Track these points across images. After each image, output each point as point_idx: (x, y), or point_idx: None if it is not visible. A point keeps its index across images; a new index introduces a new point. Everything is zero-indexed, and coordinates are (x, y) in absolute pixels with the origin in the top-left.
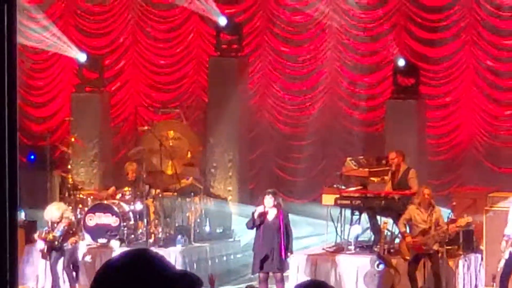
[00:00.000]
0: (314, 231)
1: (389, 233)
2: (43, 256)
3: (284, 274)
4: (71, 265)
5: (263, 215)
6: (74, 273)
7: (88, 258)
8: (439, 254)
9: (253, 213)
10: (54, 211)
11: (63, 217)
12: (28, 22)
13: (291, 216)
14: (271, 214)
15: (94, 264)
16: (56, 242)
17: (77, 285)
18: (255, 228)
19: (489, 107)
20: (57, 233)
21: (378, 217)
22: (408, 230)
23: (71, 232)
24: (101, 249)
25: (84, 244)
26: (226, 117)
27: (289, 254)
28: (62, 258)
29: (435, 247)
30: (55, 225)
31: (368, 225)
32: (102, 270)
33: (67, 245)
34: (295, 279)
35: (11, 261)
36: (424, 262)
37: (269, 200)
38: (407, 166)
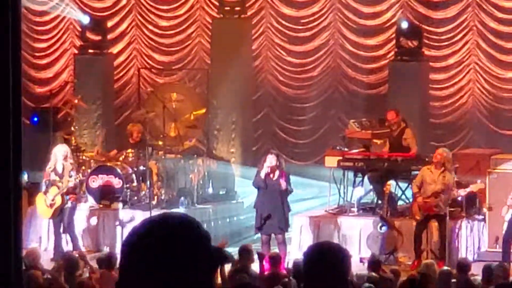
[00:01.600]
0: (317, 193)
1: (392, 195)
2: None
3: (287, 236)
4: (73, 226)
5: (269, 174)
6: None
7: (93, 221)
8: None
9: (258, 172)
10: (58, 151)
11: (67, 157)
12: None
13: (294, 178)
14: (274, 175)
15: (97, 227)
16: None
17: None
18: (257, 189)
19: (493, 69)
20: (70, 183)
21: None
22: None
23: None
24: (104, 211)
25: (87, 206)
26: (229, 79)
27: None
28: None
29: (443, 209)
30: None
31: (371, 187)
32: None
33: (67, 204)
34: (298, 241)
35: (15, 223)
36: (431, 224)
37: (271, 159)
38: (404, 125)
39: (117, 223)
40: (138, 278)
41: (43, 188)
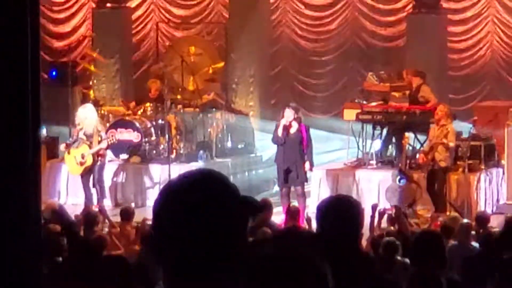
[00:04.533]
0: (335, 146)
1: (410, 148)
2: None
3: (306, 189)
4: (102, 181)
5: (288, 127)
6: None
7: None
8: (459, 168)
9: (276, 126)
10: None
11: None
12: None
13: (313, 131)
14: (293, 128)
15: (116, 181)
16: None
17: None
18: (276, 144)
19: (511, 21)
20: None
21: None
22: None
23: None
24: (124, 165)
25: (106, 161)
26: (247, 32)
27: (309, 166)
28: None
29: (443, 163)
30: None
31: (390, 140)
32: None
33: (97, 161)
34: (317, 193)
35: (34, 177)
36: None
37: (289, 113)
38: (421, 82)
39: (138, 178)
40: (173, 236)
41: (73, 144)
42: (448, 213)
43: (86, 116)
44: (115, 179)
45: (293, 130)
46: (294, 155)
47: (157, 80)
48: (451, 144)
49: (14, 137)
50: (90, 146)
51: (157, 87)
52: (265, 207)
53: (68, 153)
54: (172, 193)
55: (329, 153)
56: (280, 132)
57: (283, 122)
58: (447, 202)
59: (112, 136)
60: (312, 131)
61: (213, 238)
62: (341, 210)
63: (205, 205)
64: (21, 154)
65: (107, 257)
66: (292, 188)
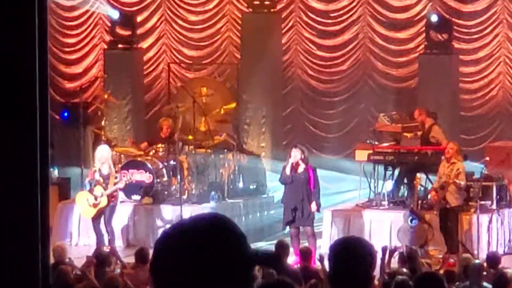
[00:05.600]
0: (347, 187)
1: (422, 188)
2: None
3: (317, 230)
4: (111, 222)
5: (295, 167)
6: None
7: (126, 216)
8: (471, 208)
9: (284, 167)
10: (104, 152)
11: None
12: None
13: (325, 172)
14: (300, 168)
15: (128, 222)
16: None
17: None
18: (284, 184)
19: None
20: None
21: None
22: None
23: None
24: (136, 206)
25: (118, 202)
26: (258, 73)
27: (315, 207)
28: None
29: (454, 202)
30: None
31: (401, 180)
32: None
33: (110, 202)
34: (328, 234)
35: (42, 218)
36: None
37: (296, 152)
38: (432, 122)
39: (150, 219)
40: (171, 280)
41: (87, 187)
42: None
43: (103, 156)
44: (127, 220)
45: (300, 169)
46: (300, 195)
47: (168, 119)
48: (462, 183)
49: (22, 178)
50: (104, 188)
51: (169, 125)
52: (281, 249)
53: (81, 194)
54: (179, 231)
55: (340, 193)
56: (288, 171)
57: (291, 161)
58: (459, 243)
59: (127, 175)
60: (323, 172)
61: (211, 282)
62: (353, 252)
63: (208, 248)
64: (30, 194)
65: None
66: (302, 229)
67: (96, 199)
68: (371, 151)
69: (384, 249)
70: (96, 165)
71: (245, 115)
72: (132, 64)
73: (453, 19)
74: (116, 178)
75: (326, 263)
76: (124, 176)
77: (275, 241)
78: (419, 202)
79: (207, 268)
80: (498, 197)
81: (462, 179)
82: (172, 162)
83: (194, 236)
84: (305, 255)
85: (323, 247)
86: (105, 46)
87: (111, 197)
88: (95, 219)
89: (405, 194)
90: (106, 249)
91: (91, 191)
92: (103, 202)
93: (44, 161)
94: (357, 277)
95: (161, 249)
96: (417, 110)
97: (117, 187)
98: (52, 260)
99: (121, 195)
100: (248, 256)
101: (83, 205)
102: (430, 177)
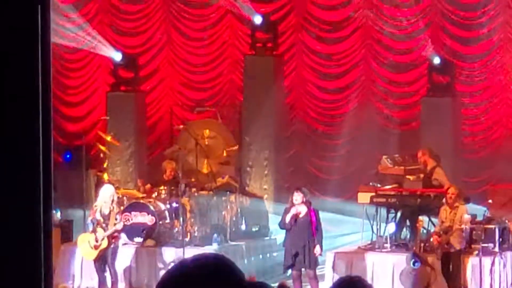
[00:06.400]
0: (349, 229)
1: (424, 231)
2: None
3: (319, 273)
4: (114, 264)
5: (296, 216)
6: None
7: (128, 258)
8: (474, 251)
9: (285, 210)
10: (106, 192)
11: (114, 200)
12: (63, 21)
13: (327, 214)
14: (302, 213)
15: (131, 264)
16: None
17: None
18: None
19: None
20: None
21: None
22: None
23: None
24: (138, 248)
25: (120, 243)
26: (261, 115)
27: (319, 250)
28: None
29: (458, 246)
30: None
31: (404, 223)
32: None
33: (112, 243)
34: (331, 277)
35: (45, 261)
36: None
37: (297, 196)
38: (435, 164)
39: (152, 261)
40: None
41: (90, 227)
42: None
43: (104, 195)
44: (129, 262)
45: (302, 214)
46: (303, 240)
47: (172, 161)
48: (466, 227)
49: (26, 220)
50: (104, 229)
51: (173, 167)
52: None
53: (82, 236)
54: (181, 271)
55: (343, 236)
56: (287, 219)
57: (293, 211)
58: (462, 286)
59: (126, 218)
60: (326, 214)
61: None
62: None
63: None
64: (32, 237)
65: None
66: (304, 271)
67: (97, 240)
68: (373, 194)
69: None
70: (98, 204)
71: (248, 157)
72: (135, 106)
73: (456, 62)
74: (116, 219)
75: None
76: (124, 218)
77: (277, 284)
78: (422, 245)
79: None
80: (500, 239)
81: (466, 222)
82: (174, 204)
83: (196, 276)
84: None
85: None
86: (108, 88)
87: (112, 239)
88: (97, 261)
89: (408, 236)
90: None
91: (93, 231)
92: (104, 243)
93: (47, 204)
94: None
95: (166, 282)
96: (420, 150)
97: (115, 229)
98: None
99: (124, 237)
100: None
101: (84, 247)
102: (433, 219)
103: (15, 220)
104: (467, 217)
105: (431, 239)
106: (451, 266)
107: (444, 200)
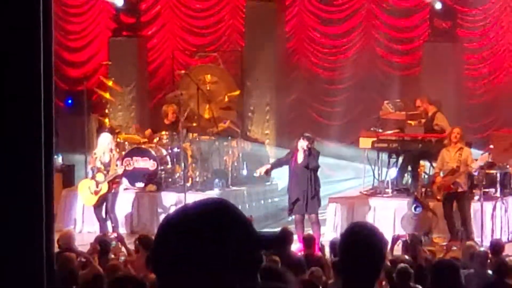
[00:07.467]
0: (351, 175)
1: (426, 176)
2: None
3: (321, 217)
4: (114, 210)
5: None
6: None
7: (129, 203)
8: (475, 196)
9: (288, 153)
10: (104, 140)
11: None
12: None
13: (329, 160)
14: (300, 157)
15: (131, 209)
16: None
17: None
18: (288, 171)
19: None
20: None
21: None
22: (442, 173)
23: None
24: (139, 193)
25: (121, 189)
26: (262, 61)
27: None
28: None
29: (464, 187)
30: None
31: (405, 168)
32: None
33: (112, 189)
34: (332, 222)
35: (46, 205)
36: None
37: (303, 143)
38: (436, 110)
39: (154, 206)
40: (173, 266)
41: (90, 174)
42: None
43: (103, 144)
44: (131, 207)
45: (300, 159)
46: (304, 183)
47: (173, 104)
48: (475, 167)
49: (26, 165)
50: (105, 175)
51: (174, 110)
52: (285, 236)
53: (83, 182)
54: (182, 216)
55: (344, 181)
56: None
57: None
58: (461, 230)
59: (128, 163)
60: (327, 159)
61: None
62: (364, 240)
63: (213, 233)
64: (34, 181)
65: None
66: (306, 216)
67: (97, 186)
68: (375, 139)
69: (394, 239)
70: (97, 152)
71: (249, 103)
72: (136, 51)
73: (457, 7)
74: (117, 165)
75: (327, 251)
76: (125, 163)
77: (279, 229)
78: (423, 189)
79: (212, 253)
80: (502, 184)
81: (473, 164)
82: (176, 150)
83: (198, 221)
84: (309, 242)
85: (326, 235)
86: (109, 34)
87: (113, 184)
88: (97, 207)
89: (409, 181)
90: (112, 236)
91: (93, 177)
92: (104, 189)
93: (49, 148)
94: (367, 266)
95: (164, 234)
96: (418, 99)
97: (116, 174)
98: (56, 247)
99: (125, 182)
100: (254, 240)
101: (84, 193)
102: (434, 164)
103: (17, 165)
104: (479, 162)
105: (436, 181)
106: (454, 206)
107: (446, 142)
